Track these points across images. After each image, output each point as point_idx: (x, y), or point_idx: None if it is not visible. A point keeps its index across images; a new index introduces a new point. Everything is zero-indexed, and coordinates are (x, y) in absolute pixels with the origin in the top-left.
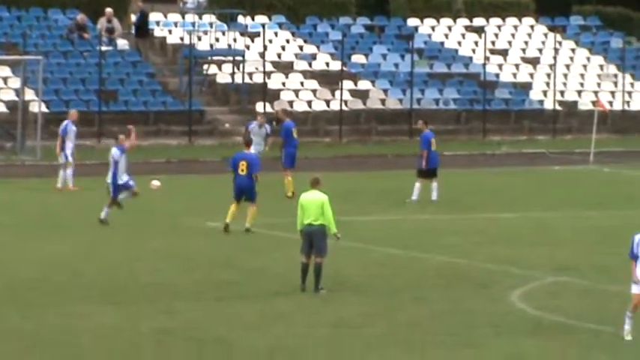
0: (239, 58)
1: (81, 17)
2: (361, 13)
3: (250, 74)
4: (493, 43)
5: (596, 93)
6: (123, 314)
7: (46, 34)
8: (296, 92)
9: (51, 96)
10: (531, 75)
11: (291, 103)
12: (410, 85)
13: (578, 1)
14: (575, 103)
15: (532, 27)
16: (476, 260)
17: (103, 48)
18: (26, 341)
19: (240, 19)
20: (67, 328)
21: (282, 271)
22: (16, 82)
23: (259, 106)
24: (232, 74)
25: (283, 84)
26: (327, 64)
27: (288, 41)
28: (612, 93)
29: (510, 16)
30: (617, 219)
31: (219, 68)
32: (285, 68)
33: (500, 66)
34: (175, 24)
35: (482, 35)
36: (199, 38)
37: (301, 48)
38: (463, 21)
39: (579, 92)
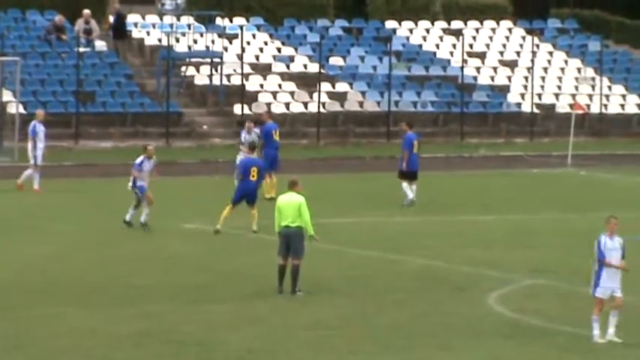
0: (217, 59)
1: (59, 18)
2: (339, 15)
3: (228, 76)
4: (471, 45)
5: (573, 96)
6: (100, 317)
7: (24, 35)
8: (274, 94)
9: (28, 97)
10: (509, 78)
11: (269, 105)
12: (388, 88)
13: (556, 4)
14: (552, 106)
15: (510, 30)
16: (454, 263)
17: (81, 49)
18: (3, 343)
19: (219, 20)
20: (44, 330)
21: (260, 273)
22: None
23: (237, 108)
24: (210, 76)
25: (261, 86)
26: (305, 66)
27: (266, 43)
28: (590, 96)
29: (488, 19)
30: (594, 222)
31: (197, 70)
32: (263, 70)
33: (478, 69)
34: (153, 25)
35: (460, 38)
36: (177, 40)
37: (279, 50)
38: (441, 24)
39: (557, 95)
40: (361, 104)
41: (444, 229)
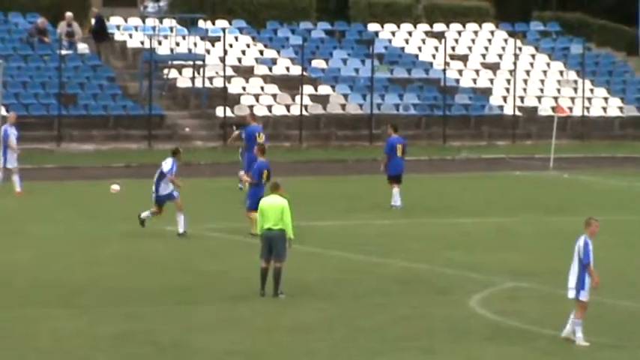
0: (199, 62)
1: (41, 21)
2: (322, 18)
3: (210, 79)
4: (453, 48)
5: (555, 99)
6: (82, 318)
7: (6, 38)
8: (256, 97)
9: (11, 100)
10: (491, 80)
11: (251, 107)
12: (370, 91)
13: (538, 6)
14: (535, 108)
15: (492, 32)
16: (436, 265)
17: (63, 52)
18: None
19: (201, 23)
20: (26, 332)
21: (242, 276)
22: None
23: (219, 111)
24: (192, 78)
25: (244, 88)
26: (288, 69)
27: (248, 46)
28: (572, 99)
29: (470, 22)
30: (576, 224)
31: (180, 72)
32: (246, 73)
33: (460, 71)
34: (136, 28)
35: (443, 41)
36: (160, 42)
37: (261, 52)
38: (423, 26)
39: (539, 98)
40: (343, 107)
41: (426, 232)
